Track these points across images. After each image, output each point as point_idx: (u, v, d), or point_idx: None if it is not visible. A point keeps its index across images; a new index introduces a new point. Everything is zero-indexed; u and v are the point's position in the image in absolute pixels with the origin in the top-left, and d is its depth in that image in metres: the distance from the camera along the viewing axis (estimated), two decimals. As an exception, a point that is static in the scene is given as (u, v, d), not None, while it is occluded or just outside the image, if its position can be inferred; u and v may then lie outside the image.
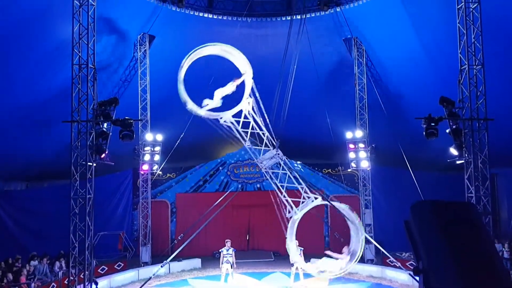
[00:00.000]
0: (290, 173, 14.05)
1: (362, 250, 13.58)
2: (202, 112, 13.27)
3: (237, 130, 13.62)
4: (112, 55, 17.32)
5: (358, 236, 13.64)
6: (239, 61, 13.79)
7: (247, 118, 13.63)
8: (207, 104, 13.43)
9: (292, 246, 14.08)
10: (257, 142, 14.19)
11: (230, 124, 13.57)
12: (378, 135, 18.83)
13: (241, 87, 13.70)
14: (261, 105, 13.61)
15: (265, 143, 13.98)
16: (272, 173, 14.18)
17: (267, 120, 13.68)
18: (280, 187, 13.88)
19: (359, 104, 18.84)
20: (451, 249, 2.57)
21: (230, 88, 13.65)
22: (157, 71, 18.64)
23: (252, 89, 13.50)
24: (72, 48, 11.67)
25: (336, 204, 14.33)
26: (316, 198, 13.69)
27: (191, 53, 13.17)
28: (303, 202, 13.77)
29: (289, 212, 13.85)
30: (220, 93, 13.60)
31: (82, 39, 11.70)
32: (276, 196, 14.06)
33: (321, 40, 18.00)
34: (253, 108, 13.56)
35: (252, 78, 13.64)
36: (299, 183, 13.91)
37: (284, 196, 13.84)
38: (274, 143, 13.88)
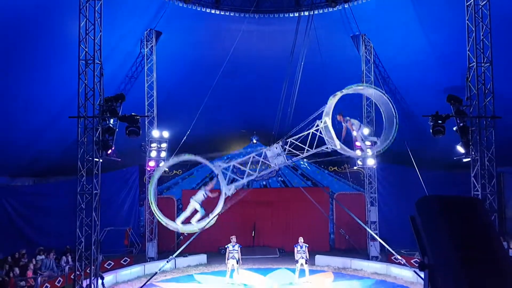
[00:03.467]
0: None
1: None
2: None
3: None
4: (119, 51, 17.35)
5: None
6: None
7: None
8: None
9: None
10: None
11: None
12: (384, 132, 18.73)
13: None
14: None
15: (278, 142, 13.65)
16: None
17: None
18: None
19: (366, 101, 18.78)
20: (456, 244, 2.56)
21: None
22: (164, 67, 18.65)
23: None
24: (78, 43, 11.70)
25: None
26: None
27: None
28: None
29: None
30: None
31: (89, 34, 11.73)
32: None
33: (328, 37, 17.92)
34: None
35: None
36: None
37: None
38: (284, 141, 13.74)
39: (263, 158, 13.73)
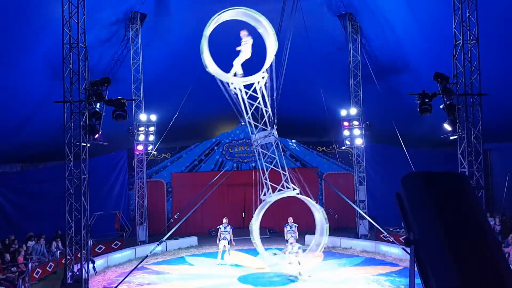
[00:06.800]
0: (279, 157, 14.08)
1: (322, 249, 14.23)
2: (212, 68, 12.97)
3: (243, 100, 13.43)
4: (104, 35, 17.09)
5: (321, 237, 14.30)
6: (265, 30, 13.28)
7: (256, 93, 13.45)
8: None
9: (256, 228, 14.44)
10: (258, 117, 14.14)
11: (238, 92, 13.37)
12: (372, 112, 18.83)
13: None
14: (274, 83, 13.41)
15: (265, 121, 13.91)
16: (262, 152, 14.23)
17: (275, 98, 13.58)
18: (264, 167, 13.92)
19: (353, 81, 18.79)
20: (441, 219, 2.59)
21: (244, 49, 13.44)
22: (150, 50, 18.46)
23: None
24: (62, 27, 11.49)
25: (311, 202, 14.53)
26: (294, 189, 13.83)
27: (216, 16, 12.80)
28: (279, 190, 13.90)
29: (265, 194, 14.03)
30: (237, 61, 13.51)
31: (72, 17, 11.52)
32: (257, 176, 14.21)
33: (315, 17, 17.81)
34: (265, 85, 13.40)
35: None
36: (283, 166, 14.01)
37: (265, 178, 13.94)
38: (272, 123, 13.85)
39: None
